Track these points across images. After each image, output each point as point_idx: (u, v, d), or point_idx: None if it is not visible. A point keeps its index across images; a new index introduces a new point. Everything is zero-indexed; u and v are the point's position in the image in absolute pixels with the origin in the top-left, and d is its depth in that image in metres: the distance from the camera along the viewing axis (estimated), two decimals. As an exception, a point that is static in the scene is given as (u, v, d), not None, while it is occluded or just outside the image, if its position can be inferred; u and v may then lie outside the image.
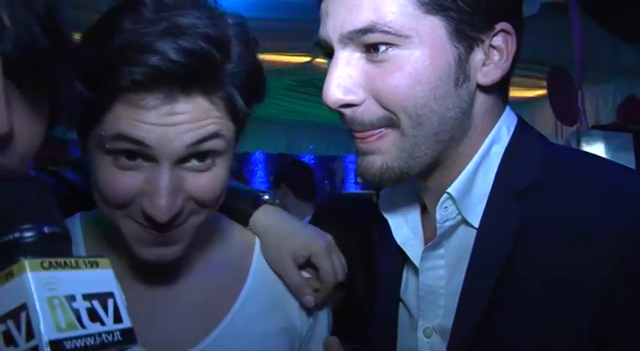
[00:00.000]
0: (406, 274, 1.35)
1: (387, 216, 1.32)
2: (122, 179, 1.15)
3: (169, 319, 1.33)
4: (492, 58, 1.14)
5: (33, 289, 0.65)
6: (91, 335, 0.68)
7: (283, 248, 1.42)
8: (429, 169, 1.20)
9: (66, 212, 1.31)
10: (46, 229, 0.72)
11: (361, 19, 1.08)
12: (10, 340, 0.65)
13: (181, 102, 1.12)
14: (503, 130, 1.21)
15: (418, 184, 1.30)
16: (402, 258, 1.34)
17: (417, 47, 1.08)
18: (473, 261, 1.16)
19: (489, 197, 1.17)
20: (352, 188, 11.97)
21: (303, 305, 1.43)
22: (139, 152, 1.13)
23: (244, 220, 1.48)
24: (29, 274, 0.65)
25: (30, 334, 0.64)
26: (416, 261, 1.28)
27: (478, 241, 1.16)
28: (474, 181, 1.18)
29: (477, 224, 1.17)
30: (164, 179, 1.14)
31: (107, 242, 1.33)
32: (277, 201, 1.61)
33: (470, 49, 1.12)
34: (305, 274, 1.43)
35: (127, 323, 0.73)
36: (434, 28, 1.09)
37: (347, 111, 1.14)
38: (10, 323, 0.65)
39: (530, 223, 1.11)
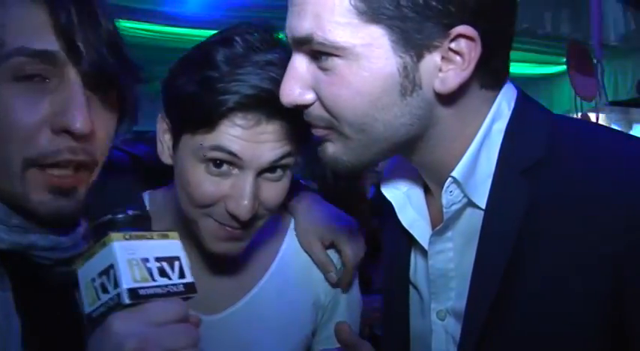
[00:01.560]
0: (414, 257, 1.34)
1: (389, 197, 1.30)
2: (211, 184, 1.38)
3: (210, 283, 1.56)
4: (452, 63, 1.07)
5: (117, 253, 0.95)
6: (159, 286, 0.97)
7: (312, 231, 1.63)
8: (404, 155, 1.22)
9: (139, 184, 1.60)
10: (130, 212, 1.02)
11: (303, 27, 1.08)
12: (104, 289, 0.95)
13: (269, 124, 1.35)
14: (504, 105, 1.16)
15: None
16: (409, 240, 1.32)
17: (356, 58, 1.06)
18: (482, 242, 1.14)
19: (494, 177, 1.14)
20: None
21: (328, 281, 1.63)
22: (230, 162, 1.36)
23: (284, 204, 1.62)
24: (115, 243, 0.95)
25: (116, 285, 0.94)
26: (424, 244, 1.26)
27: (486, 222, 1.14)
28: (478, 161, 1.15)
29: (483, 205, 1.15)
30: (249, 185, 1.37)
31: (170, 219, 1.55)
32: (315, 187, 1.78)
33: (419, 57, 1.06)
34: (331, 253, 1.63)
35: (189, 278, 1.02)
36: (374, 38, 1.05)
37: (299, 108, 1.17)
38: (104, 278, 0.95)
39: (538, 200, 1.08)
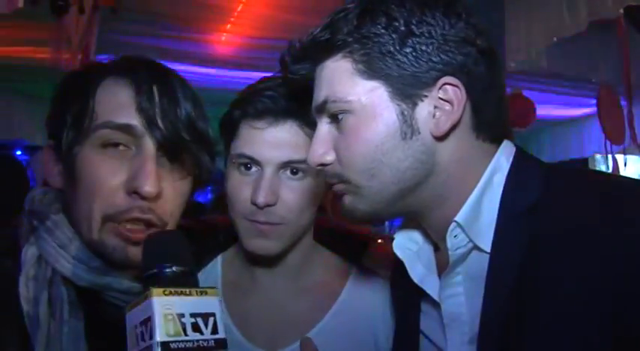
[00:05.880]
0: (424, 307, 1.41)
1: (401, 256, 1.39)
2: (242, 184, 1.63)
3: (271, 321, 1.71)
4: (442, 109, 1.23)
5: (155, 308, 1.02)
6: (190, 340, 1.03)
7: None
8: (410, 211, 1.33)
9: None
10: (174, 268, 1.11)
11: (321, 95, 1.31)
12: (142, 337, 1.03)
13: (279, 128, 1.61)
14: (503, 159, 1.29)
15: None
16: (419, 292, 1.39)
17: (363, 108, 1.25)
18: (487, 286, 1.22)
19: (497, 222, 1.24)
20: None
21: (388, 326, 1.69)
22: (253, 162, 1.62)
23: (357, 258, 1.84)
24: (154, 299, 1.03)
25: (151, 336, 1.01)
26: (434, 295, 1.33)
27: (491, 264, 1.22)
28: (480, 209, 1.25)
29: (488, 249, 1.23)
30: (266, 177, 1.60)
31: (238, 273, 1.79)
32: (380, 240, 1.93)
33: (414, 105, 1.23)
34: None
35: (221, 334, 1.07)
36: (374, 89, 1.24)
37: (322, 168, 1.34)
38: (143, 327, 1.03)
39: (538, 239, 1.17)
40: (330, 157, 1.31)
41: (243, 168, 1.64)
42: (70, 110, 1.33)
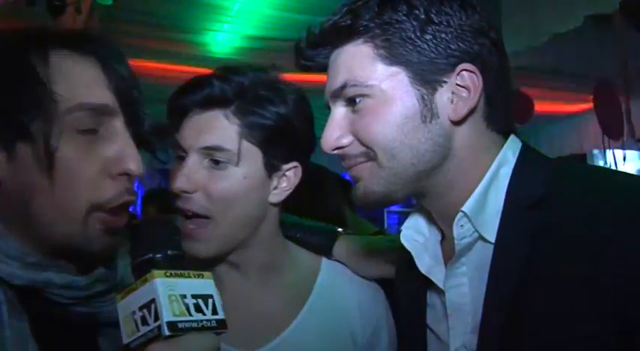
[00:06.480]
0: (430, 299, 1.44)
1: (408, 247, 1.41)
2: (175, 175, 1.58)
3: (248, 319, 1.65)
4: (460, 95, 1.27)
5: (159, 289, 1.04)
6: (195, 321, 1.05)
7: (374, 263, 1.74)
8: (421, 194, 1.35)
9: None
10: (169, 252, 1.13)
11: (339, 80, 1.32)
12: (144, 321, 1.04)
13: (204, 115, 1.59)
14: (509, 153, 1.32)
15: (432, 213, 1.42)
16: (425, 285, 1.43)
17: (383, 94, 1.28)
18: (491, 276, 1.25)
19: (502, 213, 1.27)
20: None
21: (364, 318, 1.73)
22: (181, 150, 1.60)
23: (327, 251, 1.80)
24: (157, 280, 1.05)
25: (156, 318, 1.03)
26: (441, 284, 1.36)
27: (495, 255, 1.25)
28: (486, 200, 1.29)
29: (493, 239, 1.26)
30: (186, 163, 1.57)
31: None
32: (349, 231, 1.89)
33: (434, 90, 1.27)
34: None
35: (221, 315, 1.10)
36: (394, 74, 1.28)
37: (338, 151, 1.35)
38: (145, 311, 1.04)
39: (541, 233, 1.19)
40: (345, 140, 1.33)
41: (178, 159, 1.61)
42: (16, 91, 1.16)
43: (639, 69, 4.91)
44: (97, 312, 1.23)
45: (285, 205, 1.72)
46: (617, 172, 1.38)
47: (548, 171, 1.28)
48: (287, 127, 1.62)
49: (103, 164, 1.19)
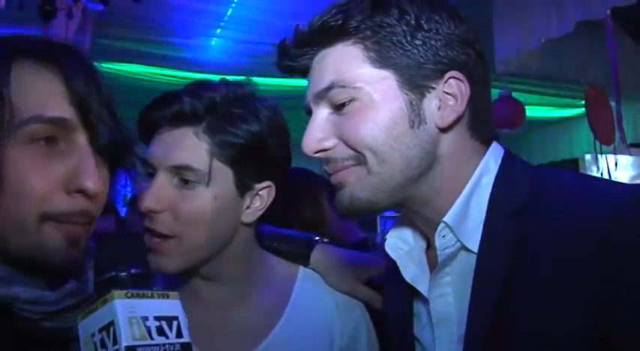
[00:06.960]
0: (416, 308, 1.42)
1: (393, 256, 1.39)
2: (144, 193, 1.53)
3: (223, 334, 1.61)
4: (447, 102, 1.27)
5: (118, 311, 0.97)
6: (156, 345, 0.98)
7: (347, 273, 1.71)
8: (405, 204, 1.33)
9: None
10: (132, 270, 1.08)
11: (325, 80, 1.29)
12: (103, 344, 0.97)
13: (174, 132, 1.53)
14: (491, 162, 1.32)
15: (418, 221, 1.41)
16: (411, 295, 1.41)
17: (370, 97, 1.26)
18: (474, 285, 1.23)
19: (484, 223, 1.25)
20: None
21: (342, 323, 1.70)
22: (150, 167, 1.54)
23: (304, 260, 1.75)
24: (117, 301, 0.97)
25: (115, 341, 0.95)
26: (426, 293, 1.34)
27: (478, 264, 1.24)
28: (468, 210, 1.27)
29: (476, 249, 1.25)
30: (154, 181, 1.51)
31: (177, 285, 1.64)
32: (326, 240, 1.85)
33: (422, 96, 1.26)
34: None
35: (186, 338, 1.03)
36: (384, 78, 1.26)
37: (321, 154, 1.31)
38: (104, 333, 0.97)
39: (525, 240, 1.19)
40: (329, 143, 1.30)
41: (147, 176, 1.54)
42: None
43: (630, 74, 4.94)
44: (69, 327, 1.16)
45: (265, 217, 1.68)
46: (597, 179, 1.39)
47: (529, 178, 1.28)
48: (260, 146, 1.55)
49: (58, 178, 1.15)
